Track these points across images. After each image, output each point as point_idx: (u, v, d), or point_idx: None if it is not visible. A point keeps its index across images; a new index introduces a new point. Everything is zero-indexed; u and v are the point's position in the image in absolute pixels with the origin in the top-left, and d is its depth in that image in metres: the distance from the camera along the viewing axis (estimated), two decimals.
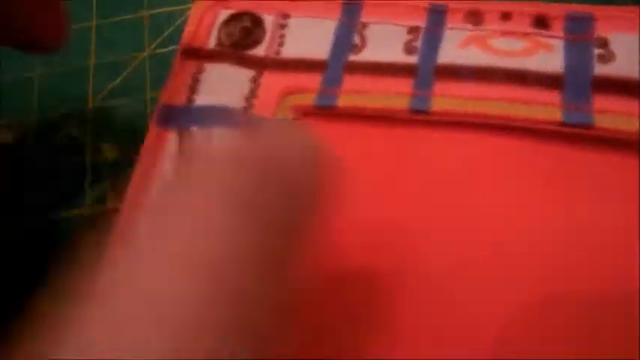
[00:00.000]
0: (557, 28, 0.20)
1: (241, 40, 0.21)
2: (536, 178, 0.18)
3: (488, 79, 0.19)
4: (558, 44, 0.20)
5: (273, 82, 0.21)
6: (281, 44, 0.21)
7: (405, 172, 0.19)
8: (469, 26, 0.20)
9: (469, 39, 0.20)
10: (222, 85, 0.21)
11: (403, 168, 0.19)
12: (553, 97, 0.19)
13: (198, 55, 0.21)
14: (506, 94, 0.19)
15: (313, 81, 0.20)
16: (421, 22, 0.21)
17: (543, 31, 0.20)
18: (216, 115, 0.20)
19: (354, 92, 0.20)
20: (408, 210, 0.18)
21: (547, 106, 0.19)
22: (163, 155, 0.20)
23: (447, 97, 0.19)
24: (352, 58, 0.20)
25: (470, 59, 0.20)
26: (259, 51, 0.21)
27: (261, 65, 0.21)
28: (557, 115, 0.18)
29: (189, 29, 0.22)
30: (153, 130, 0.20)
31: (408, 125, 0.19)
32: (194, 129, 0.20)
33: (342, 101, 0.20)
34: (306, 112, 0.20)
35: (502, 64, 0.19)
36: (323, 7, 0.22)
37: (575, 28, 0.20)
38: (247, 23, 0.22)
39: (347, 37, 0.21)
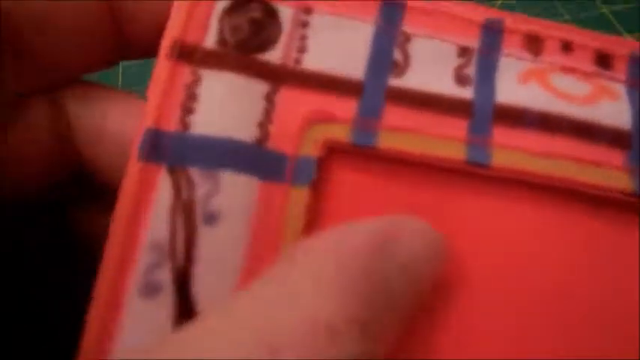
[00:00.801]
0: (620, 70, 0.18)
1: (251, 37, 0.16)
2: (606, 258, 0.16)
3: (553, 130, 0.16)
4: (621, 90, 0.17)
5: (294, 102, 0.16)
6: (302, 49, 0.16)
7: (453, 234, 0.16)
8: (528, 56, 0.17)
9: (529, 73, 0.17)
10: (228, 103, 0.16)
11: (451, 229, 0.16)
12: (619, 158, 0.17)
13: (192, 57, 0.16)
14: (572, 151, 0.16)
15: (347, 107, 0.16)
16: (474, 41, 0.17)
17: (606, 72, 0.17)
18: (224, 152, 0.15)
19: (399, 130, 0.16)
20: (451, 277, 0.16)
21: (615, 171, 0.16)
22: (149, 208, 0.15)
23: (508, 149, 0.16)
24: (394, 82, 0.16)
25: (533, 101, 0.17)
26: (274, 56, 0.16)
27: (277, 77, 0.16)
28: (625, 182, 0.16)
29: (176, 18, 0.16)
30: (135, 166, 0.15)
31: (461, 180, 0.16)
32: (194, 171, 0.15)
33: (385, 140, 0.16)
34: (337, 150, 0.16)
35: (567, 110, 0.17)
36: (356, 4, 0.17)
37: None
38: (257, 14, 0.16)
39: (387, 52, 0.17)
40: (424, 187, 0.16)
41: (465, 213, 0.16)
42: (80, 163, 0.17)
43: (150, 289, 0.14)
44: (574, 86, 0.17)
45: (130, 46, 0.17)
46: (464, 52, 0.17)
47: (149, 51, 0.17)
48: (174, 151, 0.15)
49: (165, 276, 0.15)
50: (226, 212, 0.15)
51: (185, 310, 0.14)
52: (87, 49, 0.16)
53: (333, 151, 0.16)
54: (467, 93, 0.17)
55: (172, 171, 0.15)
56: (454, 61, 0.17)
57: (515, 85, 0.17)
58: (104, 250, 0.15)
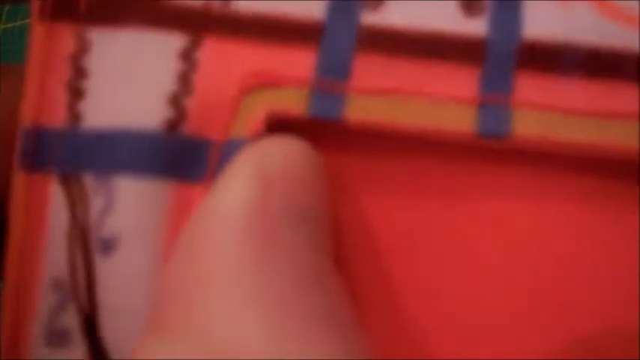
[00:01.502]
0: None
1: None
2: None
3: (610, 75, 0.11)
4: None
5: (223, 59, 0.11)
6: None
7: (451, 235, 0.11)
8: None
9: None
10: (129, 75, 0.11)
11: (446, 227, 0.11)
12: None
13: (74, 11, 0.11)
14: (632, 106, 0.11)
15: (300, 62, 0.11)
16: None
17: None
18: (121, 150, 0.11)
19: (376, 92, 0.11)
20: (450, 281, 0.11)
21: None
22: (43, 233, 0.11)
23: (537, 109, 0.11)
24: (370, 18, 0.11)
25: (578, 32, 0.11)
26: None
27: (199, 25, 0.11)
28: None
29: None
30: (19, 177, 0.11)
31: (467, 158, 0.11)
32: (88, 179, 0.11)
33: (355, 109, 0.11)
34: (287, 127, 0.11)
35: (633, 43, 0.11)
36: None
37: None
38: None
39: None
40: (411, 170, 0.11)
41: (473, 196, 0.11)
42: None
43: (57, 338, 0.11)
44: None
45: None
46: None
47: None
48: (65, 153, 0.11)
49: (71, 321, 0.11)
50: (125, 236, 0.11)
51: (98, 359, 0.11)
52: None
53: (280, 129, 0.11)
54: (478, 26, 0.11)
55: (65, 181, 0.11)
56: None
57: (554, 6, 0.11)
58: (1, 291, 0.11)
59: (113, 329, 0.11)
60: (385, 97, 0.11)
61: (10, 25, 0.35)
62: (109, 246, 0.11)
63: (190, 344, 0.09)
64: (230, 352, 0.08)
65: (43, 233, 0.11)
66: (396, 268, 0.11)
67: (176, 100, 0.11)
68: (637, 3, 0.11)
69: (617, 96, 0.11)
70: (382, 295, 0.11)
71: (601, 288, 0.11)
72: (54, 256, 0.11)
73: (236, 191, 0.10)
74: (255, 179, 0.10)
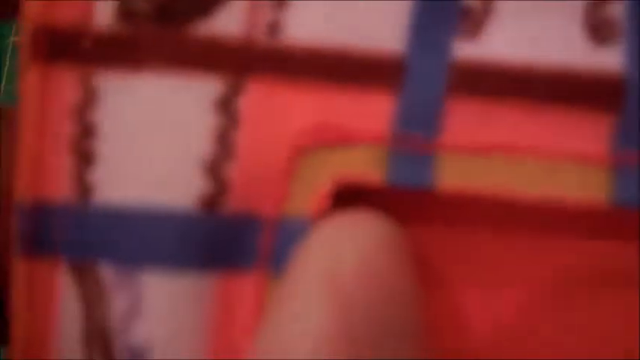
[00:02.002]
0: None
1: None
2: None
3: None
4: None
5: (274, 110, 0.09)
6: (281, 4, 0.09)
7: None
8: None
9: None
10: (150, 133, 0.08)
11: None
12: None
13: (77, 50, 0.08)
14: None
15: (375, 111, 0.08)
16: None
17: None
18: (148, 235, 0.08)
19: (475, 150, 0.08)
20: None
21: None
22: (53, 336, 0.09)
23: None
24: (465, 50, 0.09)
25: None
26: (230, 24, 0.09)
27: (237, 65, 0.09)
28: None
29: None
30: (19, 264, 0.09)
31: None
32: (106, 271, 0.08)
33: (448, 174, 0.08)
34: (362, 199, 0.09)
35: None
36: None
37: None
38: None
39: None
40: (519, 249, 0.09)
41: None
42: None
43: None
44: None
45: None
46: None
47: None
48: (73, 235, 0.09)
49: None
50: (158, 344, 0.08)
51: None
52: None
53: (353, 202, 0.08)
54: (611, 57, 0.08)
55: (76, 271, 0.09)
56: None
57: None
58: None
59: None
60: (488, 155, 0.08)
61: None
62: (138, 355, 0.08)
63: None
64: None
65: (51, 335, 0.09)
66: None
67: (214, 168, 0.08)
68: None
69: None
70: None
71: None
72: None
73: (309, 322, 0.07)
74: (330, 298, 0.07)
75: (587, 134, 0.08)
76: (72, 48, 0.09)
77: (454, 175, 0.08)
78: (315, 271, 0.08)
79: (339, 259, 0.08)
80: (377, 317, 0.08)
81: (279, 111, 0.09)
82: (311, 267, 0.08)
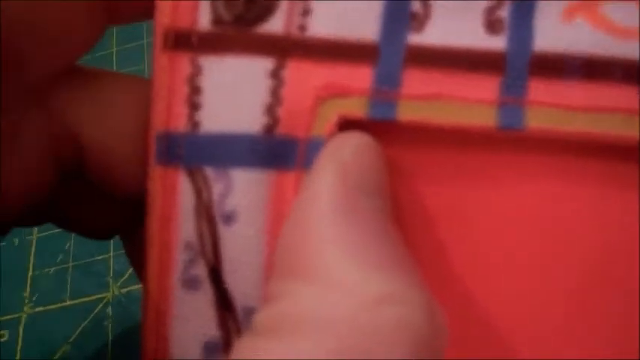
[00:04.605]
0: None
1: (248, 7, 0.15)
2: None
3: (602, 78, 0.14)
4: None
5: (303, 77, 0.15)
6: (306, 12, 0.15)
7: (482, 215, 0.15)
8: None
9: (575, 6, 0.14)
10: (233, 92, 0.15)
11: (479, 209, 0.15)
12: None
13: (189, 43, 0.15)
14: (627, 102, 0.14)
15: (361, 77, 0.15)
16: None
17: None
18: (233, 148, 0.15)
19: (421, 98, 0.14)
20: (481, 267, 0.15)
21: None
22: (176, 211, 0.15)
23: (545, 107, 0.14)
24: (414, 39, 0.14)
25: (577, 43, 0.14)
26: (276, 25, 0.15)
27: (282, 50, 0.15)
28: None
29: (164, 1, 0.14)
30: (156, 171, 0.15)
31: (490, 149, 0.15)
32: (209, 170, 0.15)
33: (405, 111, 0.15)
34: (354, 127, 0.15)
35: (620, 51, 0.14)
36: None
37: None
38: None
39: (403, 2, 0.14)
40: (450, 160, 0.15)
41: (494, 184, 0.15)
42: (74, 159, 0.17)
43: (191, 283, 0.15)
44: (631, 15, 0.14)
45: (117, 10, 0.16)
46: None
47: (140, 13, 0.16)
48: (189, 151, 0.15)
49: (201, 271, 0.15)
50: (241, 211, 0.15)
51: (224, 301, 0.15)
52: (75, 30, 0.15)
53: (348, 128, 0.15)
54: (499, 42, 0.14)
55: (190, 172, 0.15)
56: (484, 2, 0.14)
57: (558, 24, 0.14)
58: (145, 251, 0.15)
59: (233, 278, 0.15)
60: (427, 101, 0.14)
61: (123, 47, 0.38)
62: (229, 217, 0.15)
63: (302, 281, 0.12)
64: (326, 275, 0.12)
65: (176, 210, 0.15)
66: (432, 239, 0.15)
67: (270, 110, 0.15)
68: (627, 11, 0.14)
69: (608, 94, 0.14)
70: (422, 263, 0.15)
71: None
72: (185, 226, 0.15)
73: (322, 178, 0.13)
74: (335, 166, 0.13)
75: (486, 87, 0.14)
76: (186, 41, 0.15)
77: (407, 112, 0.14)
78: (325, 157, 0.14)
79: (340, 151, 0.14)
80: (366, 182, 0.14)
81: (306, 77, 0.15)
82: (323, 156, 0.14)
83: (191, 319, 0.15)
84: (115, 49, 0.38)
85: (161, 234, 0.15)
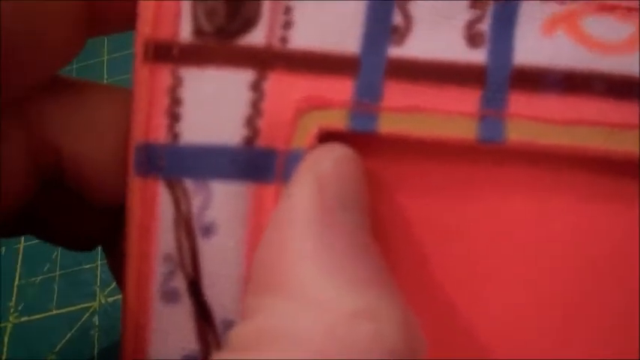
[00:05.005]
0: None
1: (230, 19, 0.15)
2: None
3: (582, 91, 0.14)
4: None
5: (284, 89, 0.15)
6: (288, 24, 0.15)
7: (466, 228, 0.15)
8: None
9: (555, 19, 0.14)
10: (214, 104, 0.15)
11: (463, 222, 0.15)
12: None
13: (169, 54, 0.15)
14: (606, 116, 0.14)
15: (342, 89, 0.15)
16: None
17: None
18: (213, 160, 0.15)
19: (401, 110, 0.14)
20: (463, 279, 0.15)
21: None
22: (155, 223, 0.15)
23: (525, 120, 0.14)
24: (395, 52, 0.14)
25: (557, 57, 0.14)
26: (258, 37, 0.15)
27: (262, 62, 0.15)
28: None
29: (145, 13, 0.14)
30: (135, 183, 0.15)
31: (473, 162, 0.15)
32: (188, 182, 0.15)
33: (386, 124, 0.14)
34: (334, 139, 0.15)
35: (599, 65, 0.14)
36: None
37: None
38: None
39: (384, 15, 0.14)
40: (432, 173, 0.15)
41: (477, 197, 0.15)
42: (54, 168, 0.17)
43: (170, 296, 0.15)
44: (611, 30, 0.14)
45: (105, 20, 0.16)
46: (476, 2, 0.14)
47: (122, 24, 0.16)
48: (168, 163, 0.15)
49: (180, 283, 0.15)
50: (220, 223, 0.15)
51: (203, 314, 0.15)
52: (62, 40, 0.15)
53: (328, 141, 0.15)
54: (480, 55, 0.14)
55: (169, 184, 0.15)
56: (465, 15, 0.14)
57: (539, 37, 0.14)
58: (124, 262, 0.15)
59: (212, 291, 0.15)
60: (408, 114, 0.14)
61: (114, 55, 0.38)
62: (209, 230, 0.15)
63: (278, 296, 0.12)
64: (301, 291, 0.12)
65: (155, 221, 0.15)
66: (414, 252, 0.15)
67: (250, 122, 0.15)
68: (606, 27, 0.14)
69: (588, 108, 0.14)
70: (405, 276, 0.15)
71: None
72: (164, 237, 0.15)
73: (300, 191, 0.13)
74: (313, 179, 0.13)
75: (466, 100, 0.14)
76: (167, 52, 0.15)
77: (388, 124, 0.14)
78: (304, 169, 0.14)
79: (319, 163, 0.14)
80: (344, 195, 0.13)
81: (287, 89, 0.15)
82: (302, 168, 0.14)
83: (170, 332, 0.15)
84: (105, 58, 0.38)
85: (140, 245, 0.15)
